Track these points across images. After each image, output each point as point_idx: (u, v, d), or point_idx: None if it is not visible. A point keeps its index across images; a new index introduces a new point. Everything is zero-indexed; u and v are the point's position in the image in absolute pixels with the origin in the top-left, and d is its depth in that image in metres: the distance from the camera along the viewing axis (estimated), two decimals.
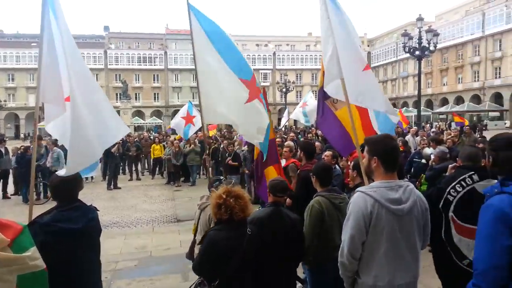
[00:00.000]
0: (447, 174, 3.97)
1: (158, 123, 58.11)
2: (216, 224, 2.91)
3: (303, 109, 14.69)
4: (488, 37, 48.36)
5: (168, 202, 11.31)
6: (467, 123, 16.51)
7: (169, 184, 14.32)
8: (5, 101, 54.58)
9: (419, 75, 20.47)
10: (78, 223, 2.83)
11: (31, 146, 13.00)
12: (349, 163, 7.12)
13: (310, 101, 14.57)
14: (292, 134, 13.82)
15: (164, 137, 19.45)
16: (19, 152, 12.32)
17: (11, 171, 12.55)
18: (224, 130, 25.14)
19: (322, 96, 4.79)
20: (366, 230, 2.37)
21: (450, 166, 4.05)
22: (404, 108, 52.55)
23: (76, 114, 3.15)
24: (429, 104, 54.52)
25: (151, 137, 19.83)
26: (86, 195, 3.00)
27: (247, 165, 10.85)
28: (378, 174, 2.51)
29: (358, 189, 2.53)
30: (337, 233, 3.48)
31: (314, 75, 68.61)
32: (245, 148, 11.68)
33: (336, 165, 6.40)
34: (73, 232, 2.78)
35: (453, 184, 3.20)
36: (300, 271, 4.21)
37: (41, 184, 12.09)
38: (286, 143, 8.70)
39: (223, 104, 4.69)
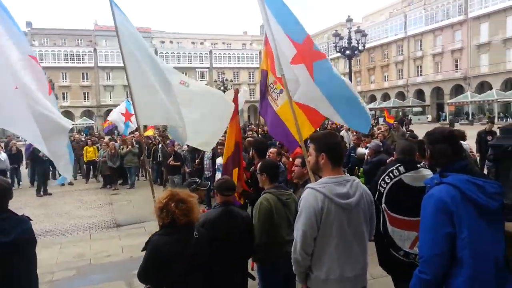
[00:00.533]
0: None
1: (90, 124, 55.19)
2: (160, 228, 2.83)
3: None
4: (410, 38, 52.22)
5: (105, 206, 10.78)
6: (391, 121, 17.71)
7: (105, 187, 13.66)
8: None
9: (349, 73, 21.55)
10: (9, 235, 2.64)
11: None
12: (290, 159, 7.34)
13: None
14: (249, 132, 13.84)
15: (98, 138, 18.51)
16: None
17: None
18: (163, 130, 24.53)
19: (263, 94, 4.85)
20: (318, 226, 2.43)
21: (387, 160, 4.31)
22: None
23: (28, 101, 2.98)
24: None
25: (83, 139, 18.75)
26: (13, 203, 2.74)
27: (188, 165, 10.70)
28: (326, 170, 2.59)
29: (308, 185, 2.59)
30: (285, 229, 3.55)
31: (251, 73, 69.34)
32: (185, 147, 11.50)
33: (280, 162, 6.53)
34: (5, 246, 2.58)
35: (382, 176, 3.39)
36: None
37: None
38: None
39: (160, 105, 4.36)
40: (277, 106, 4.73)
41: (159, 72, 4.36)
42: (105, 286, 5.48)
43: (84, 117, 57.59)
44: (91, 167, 15.32)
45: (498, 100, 38.49)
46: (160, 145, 13.26)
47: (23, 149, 15.18)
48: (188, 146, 11.02)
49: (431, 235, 2.17)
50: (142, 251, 2.83)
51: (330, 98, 3.86)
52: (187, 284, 2.70)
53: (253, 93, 63.34)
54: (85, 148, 15.29)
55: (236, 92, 5.86)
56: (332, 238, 2.45)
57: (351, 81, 20.87)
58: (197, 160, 10.21)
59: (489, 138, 10.25)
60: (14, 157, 14.18)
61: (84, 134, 31.12)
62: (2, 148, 13.76)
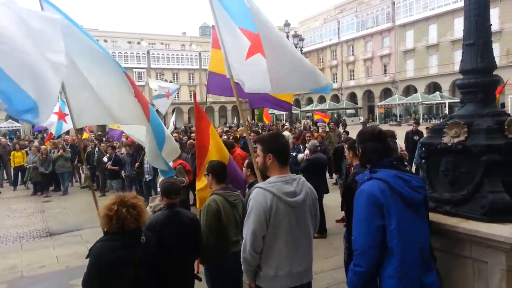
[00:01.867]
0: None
1: (16, 127, 51.11)
2: (104, 234, 2.74)
3: None
4: (343, 43, 54.88)
5: (36, 215, 10.08)
6: (327, 120, 18.55)
7: (36, 195, 12.76)
8: None
9: None
10: None
11: None
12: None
13: None
14: (174, 134, 13.60)
15: (28, 142, 17.24)
16: None
17: None
18: (99, 132, 23.47)
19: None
20: (267, 224, 2.49)
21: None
22: None
23: None
24: (297, 103, 59.32)
25: (9, 143, 17.33)
26: None
27: (127, 169, 10.34)
28: (274, 170, 2.68)
29: (257, 185, 2.66)
30: (232, 230, 3.61)
31: (191, 74, 68.52)
32: (124, 151, 11.11)
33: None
34: None
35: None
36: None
37: None
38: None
39: (97, 104, 4.00)
40: None
41: (102, 68, 4.01)
42: None
43: (10, 120, 53.22)
44: (19, 173, 14.22)
45: (423, 102, 41.71)
46: (96, 149, 12.68)
47: None
48: (126, 148, 10.69)
49: (364, 227, 2.34)
50: (86, 258, 2.73)
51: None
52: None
53: (191, 94, 62.74)
54: (12, 153, 14.17)
55: (195, 94, 6.18)
56: (281, 236, 2.53)
57: None
58: (137, 164, 9.92)
59: (415, 137, 11.13)
60: None
61: (9, 138, 28.60)
62: None
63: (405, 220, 2.30)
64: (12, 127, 50.34)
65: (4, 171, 15.26)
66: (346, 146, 4.42)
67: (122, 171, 10.42)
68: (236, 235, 3.61)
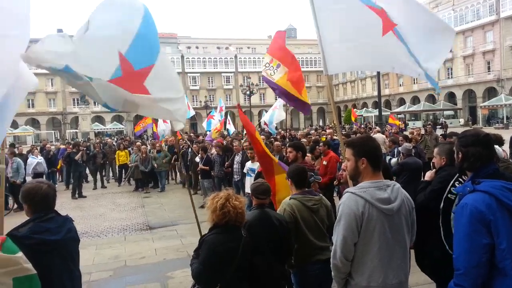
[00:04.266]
0: (431, 174, 3.89)
1: (120, 128, 56.59)
2: (211, 229, 2.92)
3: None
4: None
5: (138, 209, 11.05)
6: (398, 123, 17.56)
7: (137, 191, 14.00)
8: None
9: (378, 76, 21.25)
10: (58, 234, 2.73)
11: None
12: (324, 163, 7.34)
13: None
14: (262, 136, 13.90)
15: (129, 143, 19.00)
16: None
17: None
18: (191, 134, 24.92)
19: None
20: (358, 231, 2.40)
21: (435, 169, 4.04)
22: (364, 108, 54.32)
23: None
24: (387, 104, 56.62)
25: (115, 143, 19.29)
26: None
27: (216, 170, 10.80)
28: (366, 175, 2.56)
29: (347, 190, 2.58)
30: (315, 235, 3.53)
31: None
32: (214, 152, 11.64)
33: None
34: (54, 244, 2.68)
35: (452, 181, 3.23)
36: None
37: None
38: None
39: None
40: (274, 79, 6.54)
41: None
42: (140, 287, 5.63)
43: (115, 122, 59.11)
44: (123, 170, 15.72)
45: None
46: (189, 149, 13.47)
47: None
48: (216, 149, 11.19)
49: (466, 246, 2.12)
50: (195, 251, 2.98)
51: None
52: (240, 281, 2.79)
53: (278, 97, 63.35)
54: (117, 152, 15.73)
55: (240, 108, 7.03)
56: (373, 244, 2.43)
57: (379, 84, 20.60)
58: (226, 164, 10.34)
59: None
60: (50, 160, 14.77)
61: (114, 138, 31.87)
62: (38, 152, 14.31)
63: None
64: (117, 128, 55.74)
65: (110, 168, 17.03)
66: (436, 149, 3.97)
67: (212, 171, 10.93)
68: (320, 241, 3.55)
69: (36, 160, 12.80)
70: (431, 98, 51.79)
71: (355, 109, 45.01)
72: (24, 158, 12.66)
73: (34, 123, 58.83)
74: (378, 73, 21.37)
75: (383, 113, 22.89)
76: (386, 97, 57.32)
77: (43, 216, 2.70)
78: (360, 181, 2.61)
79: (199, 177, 11.50)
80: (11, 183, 10.76)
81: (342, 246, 2.44)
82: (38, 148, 16.06)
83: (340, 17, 3.68)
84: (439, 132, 20.23)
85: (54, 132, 58.20)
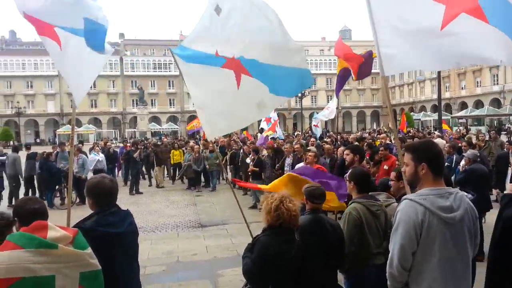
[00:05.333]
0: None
1: (174, 128, 58.58)
2: (265, 229, 2.93)
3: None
4: None
5: (190, 207, 11.38)
6: (405, 130, 16.69)
7: (190, 189, 14.41)
8: (24, 107, 55.88)
9: (438, 79, 20.23)
10: (120, 227, 2.84)
11: (54, 152, 13.31)
12: (385, 167, 7.11)
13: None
14: (312, 139, 13.77)
15: (184, 143, 19.63)
16: (43, 158, 12.52)
17: (35, 176, 12.73)
18: (242, 135, 25.22)
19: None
20: (417, 240, 2.30)
21: None
22: (423, 112, 51.99)
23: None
24: (448, 108, 53.77)
25: (170, 143, 19.99)
26: None
27: (267, 171, 10.84)
28: (426, 181, 2.44)
29: (406, 196, 2.48)
30: (375, 241, 3.46)
31: (329, 80, 68.38)
32: (265, 153, 11.71)
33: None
34: (117, 236, 2.80)
35: None
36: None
37: (65, 189, 12.28)
38: (310, 148, 8.73)
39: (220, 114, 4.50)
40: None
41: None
42: (192, 284, 5.78)
43: (170, 122, 61.37)
44: (177, 169, 16.25)
45: None
46: (241, 150, 13.64)
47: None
48: (267, 150, 11.26)
49: None
50: (247, 250, 3.00)
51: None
52: (291, 285, 2.79)
53: (331, 99, 62.34)
54: (172, 151, 16.29)
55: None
56: (433, 254, 2.31)
57: (440, 87, 19.61)
58: (277, 165, 10.35)
59: None
60: (111, 157, 15.61)
61: (159, 138, 32.84)
62: (100, 149, 15.20)
63: None
64: (172, 128, 57.73)
65: (165, 167, 17.66)
66: None
67: (262, 173, 10.99)
68: (378, 247, 3.46)
69: (97, 157, 13.57)
70: (496, 102, 48.39)
71: (411, 113, 43.16)
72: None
73: (96, 122, 62.57)
74: (439, 75, 20.34)
75: (444, 117, 21.78)
76: (447, 101, 54.40)
77: (106, 210, 2.84)
78: (419, 188, 2.51)
79: (250, 179, 11.61)
80: (77, 178, 11.49)
81: (400, 254, 2.35)
82: (100, 146, 17.04)
83: (397, 13, 3.53)
84: (504, 138, 18.91)
85: (114, 131, 61.55)
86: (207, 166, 14.06)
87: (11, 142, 42.91)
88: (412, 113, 43.27)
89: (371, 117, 68.93)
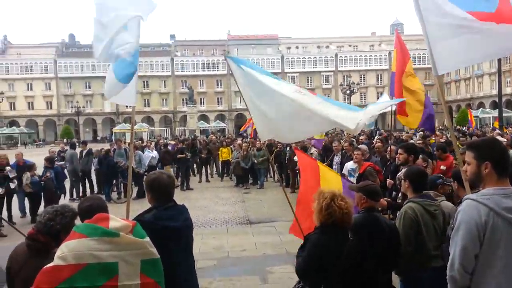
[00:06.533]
0: None
1: (222, 126, 59.61)
2: (317, 227, 2.93)
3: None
4: None
5: (238, 204, 11.55)
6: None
7: (238, 186, 14.63)
8: (83, 107, 59.43)
9: (499, 72, 19.01)
10: (177, 221, 2.95)
11: (111, 149, 14.05)
12: (442, 168, 6.82)
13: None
14: (362, 137, 13.47)
15: (231, 140, 19.93)
16: (101, 154, 13.28)
17: (92, 171, 13.52)
18: None
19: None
20: (480, 242, 2.19)
21: None
22: (481, 109, 49.09)
23: None
24: (509, 104, 50.31)
25: (219, 141, 20.40)
26: None
27: None
28: (490, 181, 2.32)
29: (468, 196, 2.37)
30: (432, 242, 3.34)
31: (379, 75, 66.41)
32: (315, 151, 11.62)
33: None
34: (174, 230, 2.91)
35: None
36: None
37: (122, 184, 12.94)
38: (360, 146, 8.54)
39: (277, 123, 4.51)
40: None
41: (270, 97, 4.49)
42: (242, 279, 5.86)
43: (218, 120, 62.56)
44: (225, 166, 16.54)
45: None
46: (287, 148, 13.61)
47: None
48: (318, 150, 11.16)
49: None
50: (300, 248, 3.00)
51: None
52: (345, 285, 2.75)
53: (381, 95, 60.37)
54: (220, 149, 16.61)
55: None
56: (498, 258, 2.18)
57: (500, 82, 18.38)
58: (325, 163, 10.22)
59: None
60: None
61: (206, 136, 33.41)
62: (153, 147, 15.81)
63: None
64: (220, 127, 58.81)
65: (214, 164, 18.05)
66: None
67: None
68: (436, 249, 3.33)
69: (151, 154, 14.14)
70: None
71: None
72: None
73: (149, 120, 65.14)
74: (499, 68, 19.13)
75: (505, 114, 20.41)
76: (508, 97, 50.91)
77: (164, 205, 2.97)
78: (482, 187, 2.39)
79: (298, 177, 11.58)
80: (135, 173, 12.01)
81: (462, 257, 2.24)
82: (153, 143, 17.74)
83: (446, 8, 3.37)
84: None
85: (166, 129, 63.69)
86: (255, 162, 14.18)
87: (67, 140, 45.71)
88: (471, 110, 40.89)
89: None
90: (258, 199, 12.18)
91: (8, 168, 9.42)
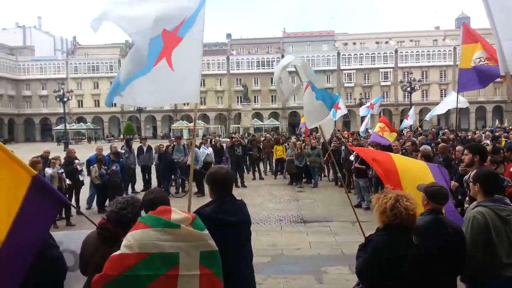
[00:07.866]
0: None
1: (276, 124, 59.78)
2: (379, 229, 2.84)
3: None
4: None
5: (292, 202, 11.51)
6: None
7: (291, 184, 14.58)
8: None
9: None
10: (236, 215, 3.01)
11: (170, 145, 14.60)
12: None
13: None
14: (420, 138, 12.85)
15: (286, 138, 19.91)
16: (161, 150, 13.82)
17: (153, 167, 14.12)
18: (344, 132, 24.65)
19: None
20: None
21: None
22: None
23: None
24: None
25: (272, 139, 20.43)
26: None
27: (371, 169, 10.40)
28: None
29: None
30: (504, 249, 3.11)
31: (443, 72, 62.95)
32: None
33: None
34: (233, 224, 2.96)
35: None
36: None
37: (180, 179, 13.41)
38: (422, 148, 8.16)
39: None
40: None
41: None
42: (297, 278, 5.83)
43: (272, 118, 62.80)
44: (279, 164, 16.55)
45: None
46: (343, 147, 13.33)
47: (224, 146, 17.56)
48: (373, 147, 10.78)
49: None
50: (359, 250, 2.95)
51: None
52: None
53: (444, 93, 57.13)
54: (275, 147, 16.65)
55: None
56: None
57: None
58: None
59: None
60: (218, 152, 16.52)
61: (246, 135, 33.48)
62: (209, 143, 16.19)
63: None
64: (273, 124, 59.01)
65: (268, 162, 18.13)
66: None
67: (369, 170, 10.57)
68: (508, 257, 3.10)
69: (206, 151, 14.50)
70: None
71: None
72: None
73: (205, 118, 66.88)
74: None
75: None
76: None
77: (223, 198, 3.04)
78: None
79: (353, 176, 11.29)
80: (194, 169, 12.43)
81: None
82: (209, 140, 18.17)
83: None
84: None
85: (220, 127, 65.10)
86: (308, 162, 14.06)
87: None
88: None
89: (492, 113, 61.57)
90: (312, 198, 12.06)
91: (76, 161, 10.15)
